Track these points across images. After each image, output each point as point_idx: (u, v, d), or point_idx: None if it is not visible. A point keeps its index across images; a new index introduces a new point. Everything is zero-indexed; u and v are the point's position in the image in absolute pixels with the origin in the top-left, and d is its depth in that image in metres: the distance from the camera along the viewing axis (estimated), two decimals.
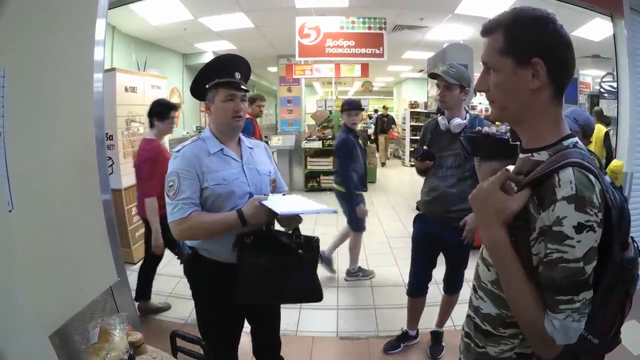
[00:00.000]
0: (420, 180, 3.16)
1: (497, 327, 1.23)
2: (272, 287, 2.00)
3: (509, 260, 1.08)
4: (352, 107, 4.59)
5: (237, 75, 2.07)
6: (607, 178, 1.13)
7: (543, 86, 1.09)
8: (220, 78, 2.04)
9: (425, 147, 2.97)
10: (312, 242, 2.08)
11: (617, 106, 4.56)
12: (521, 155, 1.21)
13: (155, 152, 3.61)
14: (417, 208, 3.17)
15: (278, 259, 1.97)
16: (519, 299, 1.07)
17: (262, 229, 1.99)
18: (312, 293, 2.09)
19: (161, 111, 3.79)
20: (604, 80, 8.92)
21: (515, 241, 1.08)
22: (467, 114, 2.90)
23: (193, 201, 1.96)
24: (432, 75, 2.94)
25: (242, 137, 2.22)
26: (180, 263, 2.18)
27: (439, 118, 2.95)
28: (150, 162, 3.53)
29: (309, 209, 1.99)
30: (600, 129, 6.01)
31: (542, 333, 1.02)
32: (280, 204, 1.97)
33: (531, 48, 1.07)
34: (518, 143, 1.25)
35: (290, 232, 2.09)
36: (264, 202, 1.93)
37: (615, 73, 4.74)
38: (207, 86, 2.07)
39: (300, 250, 2.01)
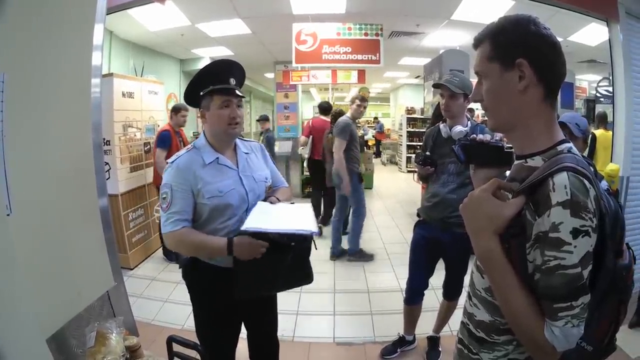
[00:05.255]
0: (417, 186, 3.18)
1: (491, 333, 1.23)
2: (269, 281, 2.05)
3: (504, 270, 1.07)
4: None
5: (232, 81, 2.06)
6: (604, 183, 1.13)
7: (531, 86, 1.10)
8: (215, 85, 2.03)
9: (427, 153, 2.99)
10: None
11: (613, 110, 4.58)
12: (516, 162, 1.22)
13: None
14: (418, 215, 3.19)
15: (273, 257, 1.98)
16: (516, 309, 1.06)
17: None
18: (303, 278, 2.17)
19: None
20: (600, 84, 8.98)
21: (509, 248, 1.08)
22: (469, 122, 2.92)
23: (184, 216, 1.99)
24: (437, 86, 2.95)
25: (238, 142, 2.22)
26: (179, 267, 2.19)
27: (441, 125, 2.98)
28: None
29: (284, 228, 1.93)
30: (606, 135, 5.97)
31: (542, 341, 1.01)
32: (258, 216, 1.97)
33: (514, 50, 1.10)
34: (513, 149, 1.26)
35: None
36: (246, 223, 1.92)
37: (611, 77, 4.76)
38: (201, 93, 2.05)
39: (292, 243, 2.02)
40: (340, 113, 6.25)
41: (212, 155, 2.08)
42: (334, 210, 6.05)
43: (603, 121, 6.40)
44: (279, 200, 2.19)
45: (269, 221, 1.95)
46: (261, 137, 8.79)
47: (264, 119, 8.88)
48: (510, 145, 1.28)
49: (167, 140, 5.30)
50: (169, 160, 2.07)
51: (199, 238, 1.99)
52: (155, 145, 5.38)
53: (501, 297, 1.11)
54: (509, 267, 1.07)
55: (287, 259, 2.02)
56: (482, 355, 1.26)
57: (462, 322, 1.39)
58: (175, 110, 5.48)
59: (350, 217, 5.77)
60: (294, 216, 2.09)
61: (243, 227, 1.89)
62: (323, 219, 7.12)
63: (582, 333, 1.01)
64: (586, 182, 0.99)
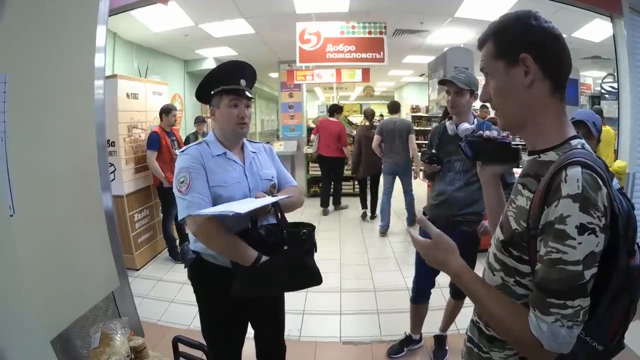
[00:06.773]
0: (423, 184, 3.16)
1: None
2: (265, 283, 1.99)
3: (473, 282, 1.17)
4: None
5: (242, 82, 2.09)
6: (616, 182, 1.10)
7: (537, 81, 1.09)
8: (226, 85, 2.05)
9: (433, 151, 2.97)
10: (299, 235, 2.03)
11: (618, 107, 4.55)
12: (528, 158, 1.20)
13: None
14: (424, 213, 3.16)
15: (266, 261, 1.95)
16: (495, 314, 1.09)
17: (249, 227, 1.98)
18: (307, 279, 2.11)
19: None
20: (604, 81, 8.90)
21: (528, 246, 1.07)
22: (475, 119, 2.90)
23: (207, 197, 1.95)
24: (443, 82, 2.92)
25: (245, 142, 2.23)
26: (185, 267, 2.18)
27: (447, 123, 2.95)
28: None
29: (216, 211, 1.85)
30: (607, 131, 5.87)
31: (527, 338, 1.00)
32: (222, 207, 1.89)
33: (517, 45, 1.10)
34: (520, 146, 1.25)
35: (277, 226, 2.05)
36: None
37: (615, 73, 4.73)
38: (212, 92, 2.08)
39: (285, 247, 1.99)
40: (373, 114, 7.84)
41: (221, 150, 2.11)
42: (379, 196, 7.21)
43: (600, 117, 6.34)
44: (265, 195, 2.11)
45: (220, 209, 1.86)
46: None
47: (200, 121, 7.59)
48: (517, 143, 1.28)
49: (157, 142, 5.38)
50: (179, 151, 2.10)
51: (232, 240, 1.94)
52: (146, 148, 5.45)
53: (479, 306, 1.18)
54: (479, 279, 1.18)
55: (280, 261, 1.98)
56: (492, 354, 1.24)
57: (472, 320, 1.37)
58: (166, 111, 5.53)
59: (406, 196, 6.78)
60: (247, 204, 1.94)
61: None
62: (334, 202, 8.41)
63: (574, 338, 0.98)
64: (599, 180, 0.96)
